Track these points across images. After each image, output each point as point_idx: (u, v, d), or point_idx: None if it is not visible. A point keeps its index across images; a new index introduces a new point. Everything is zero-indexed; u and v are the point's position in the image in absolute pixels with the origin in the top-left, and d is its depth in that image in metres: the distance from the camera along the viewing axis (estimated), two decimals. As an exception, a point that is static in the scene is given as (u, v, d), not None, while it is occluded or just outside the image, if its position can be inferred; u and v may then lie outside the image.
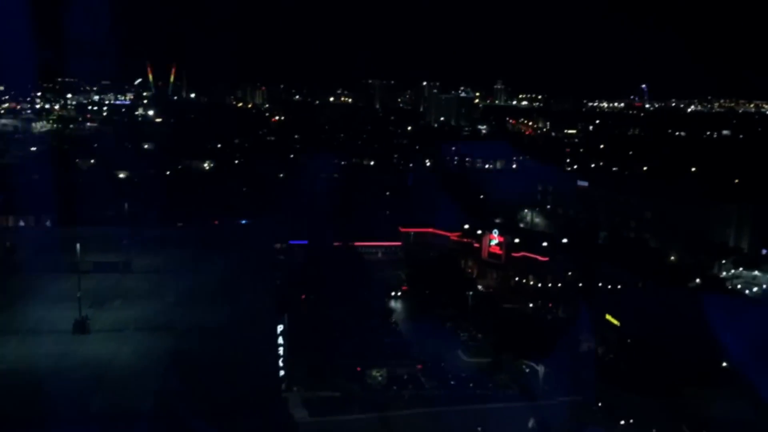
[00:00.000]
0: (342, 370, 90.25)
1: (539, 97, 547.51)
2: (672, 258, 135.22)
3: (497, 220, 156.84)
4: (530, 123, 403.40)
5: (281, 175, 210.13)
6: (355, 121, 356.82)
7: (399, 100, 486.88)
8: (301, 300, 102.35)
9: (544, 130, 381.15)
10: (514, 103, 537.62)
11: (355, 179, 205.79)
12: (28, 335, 53.67)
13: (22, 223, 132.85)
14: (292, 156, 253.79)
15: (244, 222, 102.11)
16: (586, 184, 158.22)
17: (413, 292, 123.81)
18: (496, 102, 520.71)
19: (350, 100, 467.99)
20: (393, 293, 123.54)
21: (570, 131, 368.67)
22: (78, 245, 61.06)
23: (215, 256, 74.23)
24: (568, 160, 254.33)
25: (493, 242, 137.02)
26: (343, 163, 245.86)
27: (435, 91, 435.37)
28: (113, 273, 68.46)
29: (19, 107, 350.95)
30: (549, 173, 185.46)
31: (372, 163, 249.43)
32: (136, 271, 69.56)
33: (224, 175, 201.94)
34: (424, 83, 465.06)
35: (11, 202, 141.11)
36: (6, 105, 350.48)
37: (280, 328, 79.78)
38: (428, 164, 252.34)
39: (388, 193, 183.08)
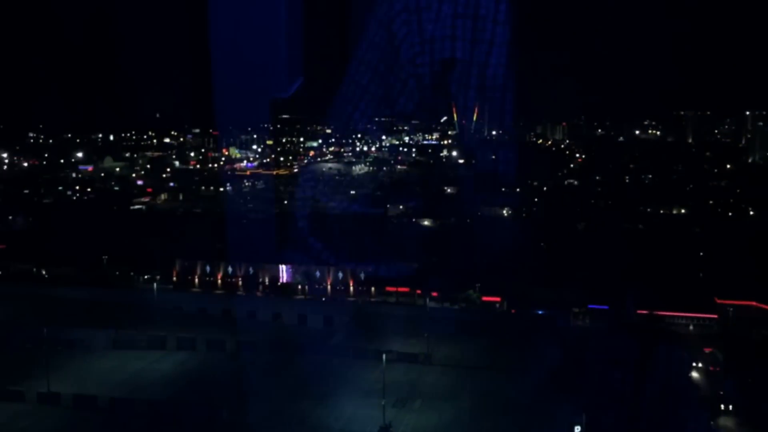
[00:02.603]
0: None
1: None
2: None
3: None
4: None
5: (580, 226, 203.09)
6: (663, 159, 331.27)
7: (716, 132, 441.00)
8: (601, 391, 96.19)
9: None
10: None
11: (664, 233, 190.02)
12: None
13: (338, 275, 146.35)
14: (592, 202, 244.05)
15: (541, 312, 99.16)
16: None
17: (735, 382, 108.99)
18: None
19: (658, 133, 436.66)
20: (707, 380, 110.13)
21: None
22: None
23: (512, 353, 73.61)
24: None
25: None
26: (648, 210, 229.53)
27: (760, 123, 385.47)
28: (414, 364, 71.81)
29: (341, 150, 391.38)
30: None
31: (683, 211, 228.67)
32: (435, 363, 72.03)
33: (521, 225, 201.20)
34: (747, 113, 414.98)
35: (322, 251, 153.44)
36: (332, 148, 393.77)
37: (577, 429, 75.77)
38: (752, 214, 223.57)
39: (702, 254, 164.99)
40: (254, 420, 58.55)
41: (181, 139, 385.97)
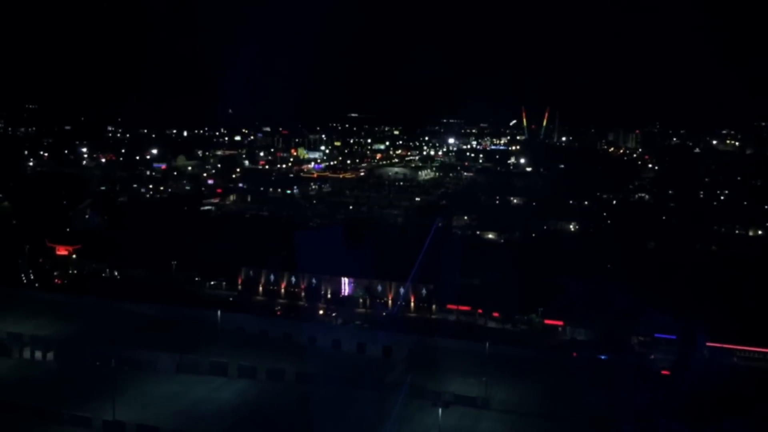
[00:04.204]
0: None
1: None
2: None
3: None
4: None
5: (650, 245, 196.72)
6: (741, 173, 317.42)
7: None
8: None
9: None
10: None
11: (740, 256, 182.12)
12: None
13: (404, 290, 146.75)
14: (663, 218, 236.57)
15: (602, 357, 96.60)
16: None
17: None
18: None
19: (736, 144, 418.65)
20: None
21: None
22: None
23: (574, 400, 71.58)
24: None
25: None
26: (722, 230, 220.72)
27: None
28: (471, 408, 70.73)
29: (408, 153, 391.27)
30: None
31: (759, 232, 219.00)
32: (492, 408, 70.83)
33: (588, 242, 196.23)
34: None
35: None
36: (398, 151, 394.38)
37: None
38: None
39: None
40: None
41: (252, 138, 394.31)
